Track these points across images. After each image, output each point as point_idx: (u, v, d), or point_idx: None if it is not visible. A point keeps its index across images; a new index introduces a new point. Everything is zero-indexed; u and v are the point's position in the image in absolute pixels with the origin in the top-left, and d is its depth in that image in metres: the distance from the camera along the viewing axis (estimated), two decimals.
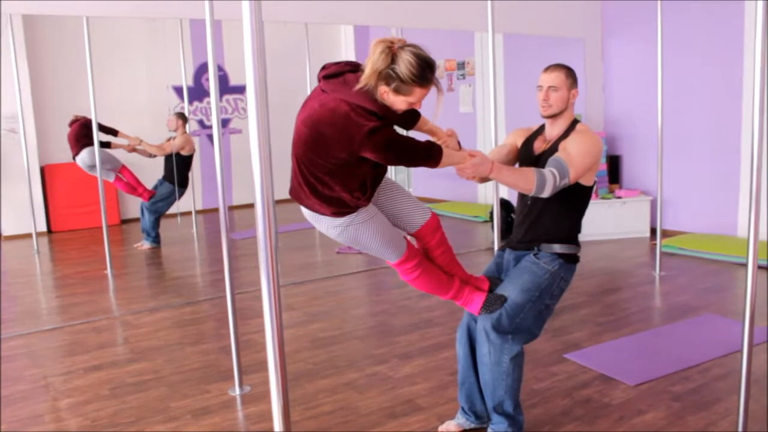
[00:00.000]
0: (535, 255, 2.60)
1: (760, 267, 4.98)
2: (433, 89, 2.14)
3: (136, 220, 7.75)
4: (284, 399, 1.58)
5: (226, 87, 8.76)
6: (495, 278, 2.64)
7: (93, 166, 6.22)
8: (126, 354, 3.88)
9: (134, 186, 6.78)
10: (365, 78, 2.07)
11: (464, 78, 8.13)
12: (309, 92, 2.32)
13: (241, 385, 3.30)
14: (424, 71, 2.07)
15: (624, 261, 5.72)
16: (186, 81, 7.64)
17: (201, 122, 8.72)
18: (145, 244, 6.82)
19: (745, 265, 2.32)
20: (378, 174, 2.30)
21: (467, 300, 2.54)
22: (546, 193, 2.42)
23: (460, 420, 2.76)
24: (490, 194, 7.65)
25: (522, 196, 2.68)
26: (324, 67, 2.23)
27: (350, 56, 9.04)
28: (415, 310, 4.47)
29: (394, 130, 2.20)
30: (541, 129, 2.74)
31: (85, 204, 7.78)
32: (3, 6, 4.17)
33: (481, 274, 2.68)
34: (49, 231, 7.84)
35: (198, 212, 7.90)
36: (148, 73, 8.31)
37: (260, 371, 3.49)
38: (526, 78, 7.09)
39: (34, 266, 6.47)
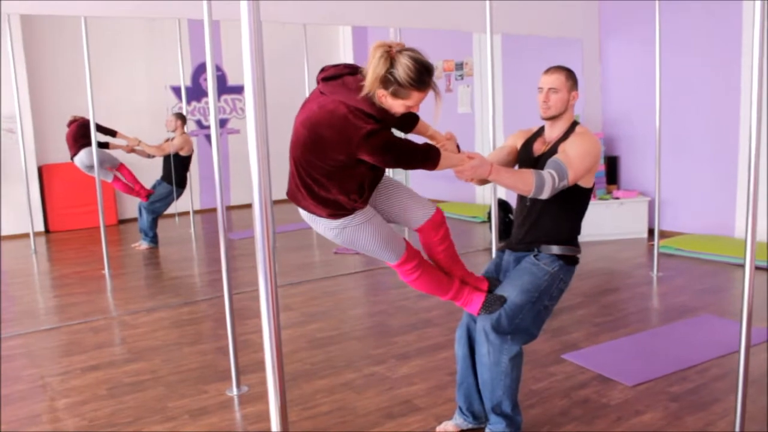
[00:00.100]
0: (534, 256, 2.60)
1: (757, 268, 4.98)
2: (431, 93, 2.15)
3: (134, 220, 7.74)
4: (282, 399, 1.58)
5: (224, 87, 8.75)
6: (494, 279, 2.64)
7: (91, 167, 6.22)
8: (123, 354, 3.87)
9: (132, 185, 6.78)
10: (368, 85, 2.08)
11: (462, 78, 8.13)
12: (307, 93, 2.32)
13: (238, 386, 3.30)
14: (422, 75, 2.08)
15: (622, 262, 5.72)
16: (184, 81, 7.63)
17: (199, 122, 8.71)
18: (143, 244, 6.82)
19: (742, 266, 2.32)
20: (375, 176, 2.30)
21: (467, 300, 2.54)
22: (545, 195, 2.42)
23: (458, 420, 2.76)
24: (488, 195, 7.65)
25: (521, 198, 2.68)
26: (323, 70, 2.24)
27: (348, 57, 9.04)
28: (413, 311, 4.47)
29: (392, 133, 2.20)
30: (540, 131, 2.74)
31: (83, 204, 7.76)
32: (2, 6, 4.17)
33: (480, 275, 2.68)
34: (47, 231, 7.83)
35: (196, 212, 7.89)
36: (146, 74, 8.30)
37: (258, 371, 3.49)
38: (525, 78, 7.11)
39: (31, 266, 6.47)
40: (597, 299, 4.64)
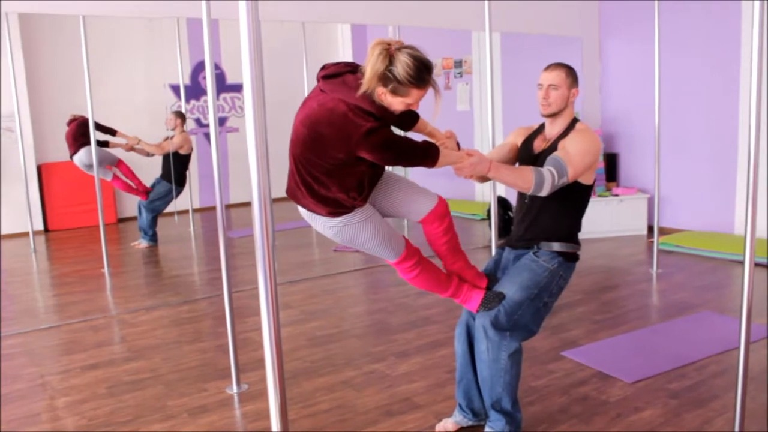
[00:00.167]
0: (534, 253, 2.60)
1: (757, 264, 4.99)
2: (430, 90, 2.15)
3: (134, 218, 7.73)
4: (281, 397, 1.58)
5: (223, 85, 8.73)
6: (492, 276, 2.65)
7: (91, 166, 6.22)
8: (123, 352, 3.88)
9: (131, 180, 6.78)
10: (366, 82, 2.08)
11: (461, 76, 8.12)
12: (306, 91, 2.33)
13: (238, 384, 3.30)
14: (421, 73, 2.08)
15: (621, 259, 5.73)
16: (183, 80, 7.63)
17: (198, 121, 8.69)
18: (143, 243, 6.82)
19: (742, 263, 2.32)
20: (375, 174, 2.30)
21: (466, 298, 2.54)
22: (544, 192, 2.42)
23: (458, 417, 2.77)
24: (487, 192, 7.64)
25: (521, 195, 2.68)
26: (323, 68, 2.24)
27: (347, 55, 9.02)
28: (413, 308, 4.47)
29: (392, 131, 2.20)
30: (541, 128, 2.74)
31: (82, 203, 7.75)
32: (1, 5, 4.16)
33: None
34: (46, 230, 7.82)
35: (195, 211, 7.88)
36: (145, 72, 8.29)
37: (257, 369, 3.49)
38: (523, 77, 7.11)
39: (31, 265, 6.47)
40: (596, 296, 4.65)
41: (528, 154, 2.70)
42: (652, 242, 5.39)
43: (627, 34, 6.73)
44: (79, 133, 6.39)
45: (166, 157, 6.79)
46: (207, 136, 8.59)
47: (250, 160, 1.48)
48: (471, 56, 7.99)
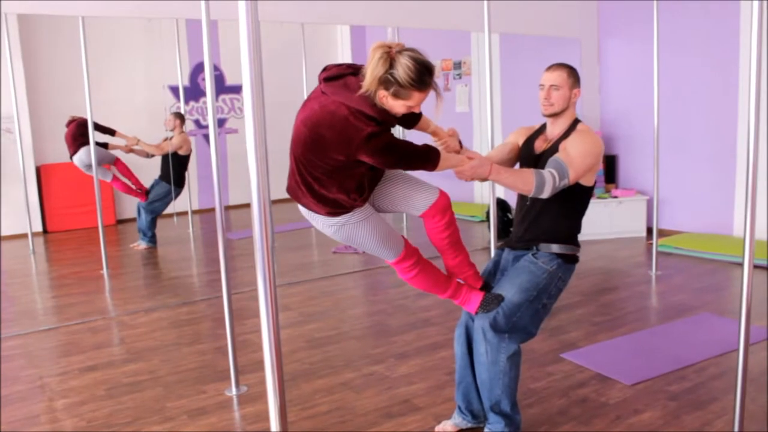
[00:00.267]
0: (533, 255, 2.60)
1: (756, 266, 4.99)
2: (432, 92, 2.15)
3: (133, 220, 7.72)
4: (281, 399, 1.57)
5: (222, 87, 8.74)
6: (487, 283, 2.62)
7: (90, 166, 6.22)
8: (122, 354, 3.87)
9: (128, 178, 6.78)
10: (366, 85, 2.08)
11: (461, 78, 8.13)
12: (305, 92, 2.33)
13: (237, 386, 3.29)
14: (423, 75, 2.07)
15: (620, 260, 5.73)
16: (182, 81, 7.63)
17: (197, 122, 8.69)
18: (142, 244, 6.81)
19: (741, 265, 2.32)
20: (375, 175, 2.30)
21: (465, 299, 2.54)
22: (545, 194, 2.42)
23: (457, 420, 2.76)
24: (486, 194, 7.65)
25: (521, 196, 2.68)
26: (325, 69, 2.23)
27: (346, 56, 9.03)
28: (412, 310, 4.47)
29: (393, 135, 2.20)
30: (542, 128, 2.73)
31: (81, 204, 7.75)
32: (0, 6, 4.16)
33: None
34: (45, 231, 7.81)
35: (194, 212, 7.88)
36: (144, 73, 8.29)
37: (257, 371, 3.48)
38: (523, 78, 7.12)
39: (30, 266, 6.46)
40: (595, 298, 4.65)
41: (529, 154, 2.69)
42: (651, 244, 5.39)
43: (626, 34, 6.73)
44: (78, 133, 6.39)
45: (165, 158, 6.78)
46: (206, 137, 8.59)
47: (250, 161, 1.48)
48: (470, 57, 8.00)
